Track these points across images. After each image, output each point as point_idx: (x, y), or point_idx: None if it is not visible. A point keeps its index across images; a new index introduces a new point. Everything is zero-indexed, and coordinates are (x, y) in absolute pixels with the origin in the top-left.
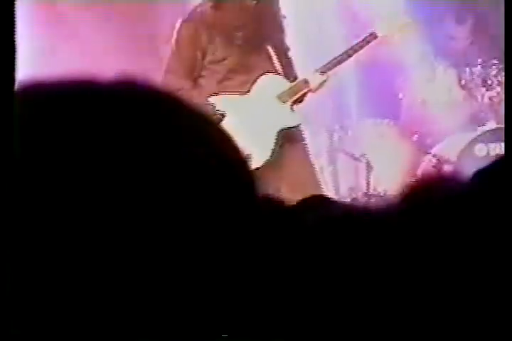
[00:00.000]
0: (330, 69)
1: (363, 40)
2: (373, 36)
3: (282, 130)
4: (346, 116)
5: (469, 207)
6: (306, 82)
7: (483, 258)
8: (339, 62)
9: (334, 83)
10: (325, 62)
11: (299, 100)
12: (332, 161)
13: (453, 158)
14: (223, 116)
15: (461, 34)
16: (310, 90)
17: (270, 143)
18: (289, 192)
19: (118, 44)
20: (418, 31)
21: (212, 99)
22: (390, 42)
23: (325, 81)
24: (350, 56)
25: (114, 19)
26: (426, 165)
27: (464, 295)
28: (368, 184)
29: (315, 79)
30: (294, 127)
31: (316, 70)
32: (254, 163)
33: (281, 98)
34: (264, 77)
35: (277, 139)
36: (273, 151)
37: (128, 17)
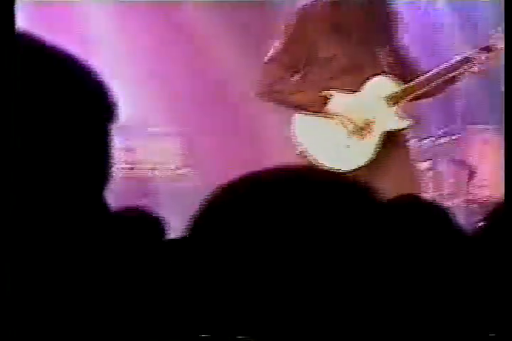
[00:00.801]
0: (445, 74)
1: (481, 51)
2: (491, 49)
3: (387, 132)
4: (451, 121)
5: None
6: (418, 85)
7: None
8: (454, 69)
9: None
10: (440, 66)
11: (409, 101)
12: (434, 166)
13: None
14: (331, 96)
15: None
16: (419, 94)
17: (374, 143)
18: (389, 193)
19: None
20: None
21: (324, 93)
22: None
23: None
24: (467, 63)
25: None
26: None
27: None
28: (469, 190)
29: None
30: (398, 130)
31: (430, 73)
32: (357, 162)
33: (390, 100)
34: (375, 78)
35: (381, 140)
36: (376, 151)
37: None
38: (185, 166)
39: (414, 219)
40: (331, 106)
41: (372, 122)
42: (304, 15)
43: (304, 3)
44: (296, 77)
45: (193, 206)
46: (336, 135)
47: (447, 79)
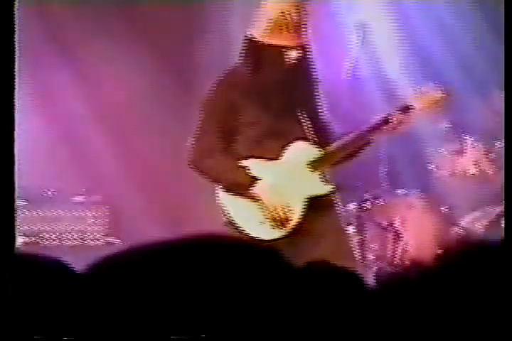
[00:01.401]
0: (361, 138)
1: (398, 111)
2: (407, 108)
3: (312, 198)
4: (376, 185)
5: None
6: (338, 149)
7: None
8: (370, 131)
9: (365, 152)
10: (360, 128)
11: (331, 168)
12: (360, 230)
13: (480, 230)
14: (256, 179)
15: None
16: (340, 159)
17: (301, 209)
18: (322, 257)
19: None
20: (451, 103)
21: (243, 163)
22: (424, 115)
23: (362, 146)
24: (386, 123)
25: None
26: (453, 236)
27: None
28: (394, 254)
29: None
30: (322, 196)
31: (345, 138)
32: (286, 228)
33: (312, 166)
34: (295, 143)
35: (307, 206)
36: (304, 216)
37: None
38: (112, 235)
39: (325, 285)
40: (256, 189)
41: (290, 212)
42: (224, 83)
43: (224, 71)
44: (227, 149)
45: None
46: (259, 210)
47: (366, 141)
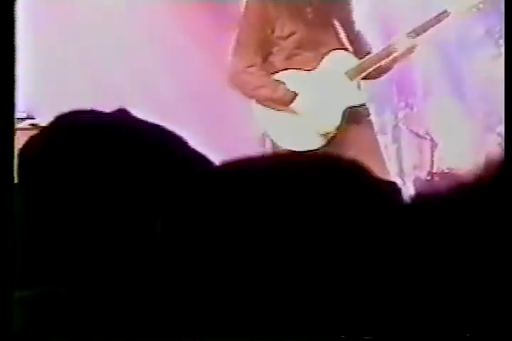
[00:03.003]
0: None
1: (434, 19)
2: (446, 14)
3: (349, 108)
4: (411, 94)
5: None
6: (378, 58)
7: None
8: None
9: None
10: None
11: (369, 77)
12: (396, 139)
13: None
14: (296, 94)
15: None
16: (378, 67)
17: (337, 120)
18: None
19: None
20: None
21: (280, 75)
22: (461, 20)
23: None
24: (418, 35)
25: None
26: (491, 143)
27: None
28: (432, 162)
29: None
30: (359, 106)
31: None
32: (321, 140)
33: (349, 75)
34: (332, 53)
35: (343, 116)
36: (339, 128)
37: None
38: None
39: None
40: (295, 106)
41: (331, 125)
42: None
43: None
44: (265, 60)
45: None
46: (298, 118)
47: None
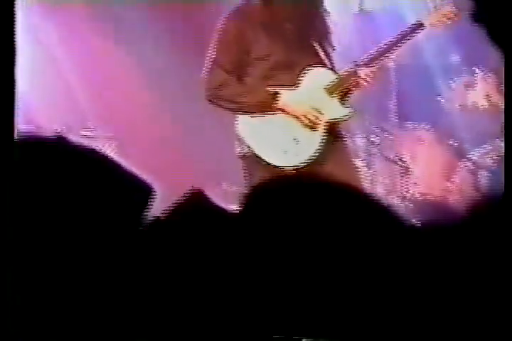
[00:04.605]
0: (375, 60)
1: (408, 30)
2: (419, 25)
3: (332, 121)
4: (385, 119)
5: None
6: (354, 73)
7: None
8: (384, 53)
9: (375, 84)
10: (369, 54)
11: (347, 93)
12: (369, 163)
13: (489, 163)
14: (277, 94)
15: None
16: (357, 83)
17: (320, 135)
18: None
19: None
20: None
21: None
22: (435, 32)
23: (374, 73)
24: (395, 46)
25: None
26: (462, 170)
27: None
28: (404, 187)
29: (362, 71)
30: (341, 118)
31: (361, 61)
32: (303, 156)
33: (329, 90)
34: (312, 70)
35: (326, 132)
36: (322, 143)
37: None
38: None
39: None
40: (280, 103)
41: (321, 113)
42: (235, 17)
43: (234, 4)
44: (240, 79)
45: None
46: (284, 131)
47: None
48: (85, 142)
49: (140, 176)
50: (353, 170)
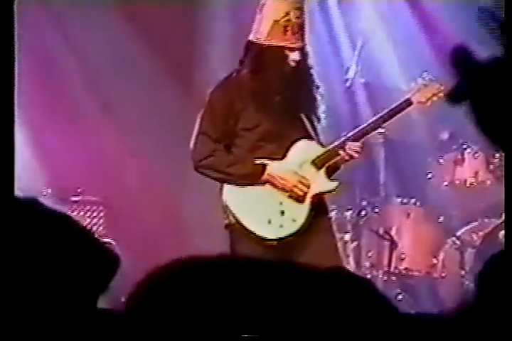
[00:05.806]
0: (364, 135)
1: (397, 106)
2: (408, 103)
3: (316, 196)
4: (373, 193)
5: None
6: (341, 147)
7: None
8: (373, 129)
9: (364, 159)
10: (357, 129)
11: (335, 167)
12: (357, 237)
13: (476, 242)
14: (264, 165)
15: None
16: (344, 157)
17: (306, 209)
18: (308, 260)
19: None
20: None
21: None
22: (424, 108)
23: (361, 147)
24: (384, 122)
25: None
26: (449, 247)
27: None
28: (389, 261)
29: (350, 145)
30: (328, 191)
31: (350, 135)
32: (290, 229)
33: (316, 163)
34: (298, 143)
35: (311, 204)
36: (307, 216)
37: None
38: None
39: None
40: (267, 174)
41: (308, 187)
42: (224, 88)
43: (224, 76)
44: (228, 149)
45: None
46: (270, 202)
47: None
48: (72, 206)
49: (108, 247)
50: (333, 247)
